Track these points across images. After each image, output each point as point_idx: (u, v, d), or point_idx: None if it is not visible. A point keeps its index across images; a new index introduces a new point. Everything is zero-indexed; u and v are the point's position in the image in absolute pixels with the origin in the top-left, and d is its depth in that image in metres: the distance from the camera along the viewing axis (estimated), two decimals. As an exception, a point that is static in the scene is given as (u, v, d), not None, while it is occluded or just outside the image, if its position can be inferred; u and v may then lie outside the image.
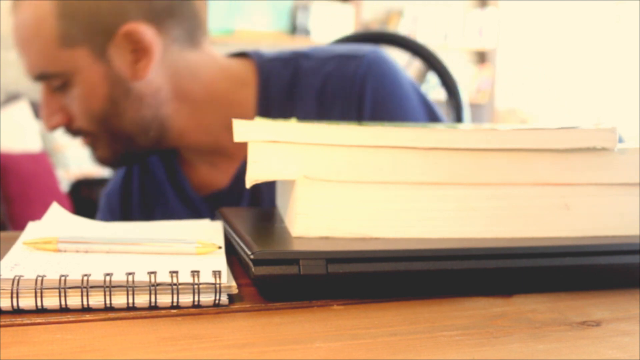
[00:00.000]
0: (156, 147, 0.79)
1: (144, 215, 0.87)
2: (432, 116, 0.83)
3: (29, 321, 0.37)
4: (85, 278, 0.38)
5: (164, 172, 0.86)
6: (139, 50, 0.73)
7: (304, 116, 0.77)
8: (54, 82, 0.73)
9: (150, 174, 0.87)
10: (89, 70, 0.72)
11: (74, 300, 0.38)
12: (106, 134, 0.76)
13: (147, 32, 0.72)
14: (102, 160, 0.80)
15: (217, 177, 0.83)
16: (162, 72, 0.75)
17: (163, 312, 0.39)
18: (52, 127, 0.76)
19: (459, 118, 1.12)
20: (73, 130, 0.77)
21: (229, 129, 0.78)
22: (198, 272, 0.40)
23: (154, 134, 0.77)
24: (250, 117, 0.79)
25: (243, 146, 0.78)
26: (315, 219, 0.45)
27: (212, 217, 0.61)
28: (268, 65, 0.80)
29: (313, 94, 0.79)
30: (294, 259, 0.40)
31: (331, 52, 0.82)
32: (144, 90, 0.74)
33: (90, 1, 0.71)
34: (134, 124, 0.75)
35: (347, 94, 0.78)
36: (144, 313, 0.39)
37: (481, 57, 4.34)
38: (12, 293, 0.37)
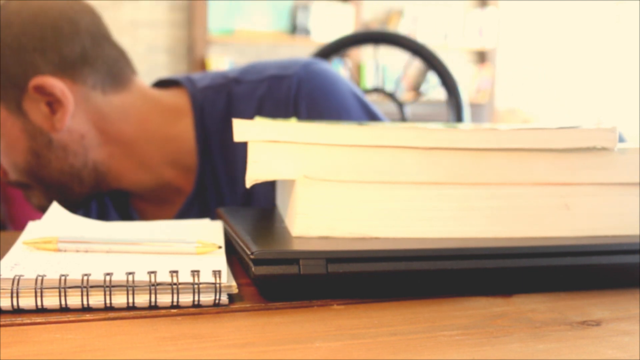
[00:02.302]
0: (96, 191, 0.78)
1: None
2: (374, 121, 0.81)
3: (29, 321, 0.37)
4: (85, 278, 0.38)
5: (111, 203, 0.86)
6: (53, 103, 0.72)
7: (243, 145, 0.76)
8: None
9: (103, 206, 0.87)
10: (5, 125, 0.72)
11: (74, 300, 0.38)
12: (39, 185, 0.75)
13: (56, 84, 0.71)
14: (42, 208, 0.77)
15: (167, 210, 0.82)
16: (84, 119, 0.74)
17: (163, 311, 0.39)
18: None
19: (459, 118, 1.12)
20: (10, 183, 0.77)
21: (170, 164, 0.78)
22: (198, 271, 0.40)
23: (88, 180, 0.76)
24: (190, 149, 0.78)
25: (188, 180, 0.79)
26: (315, 218, 0.45)
27: (212, 218, 0.61)
28: (200, 95, 0.79)
29: (249, 119, 0.78)
30: (294, 258, 0.40)
31: (262, 74, 0.80)
32: (66, 139, 0.73)
33: None
34: (64, 173, 0.74)
35: (283, 116, 0.77)
36: (144, 313, 0.39)
37: (481, 57, 4.34)
38: (12, 293, 0.37)
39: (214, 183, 0.78)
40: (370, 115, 0.81)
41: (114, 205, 0.86)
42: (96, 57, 0.74)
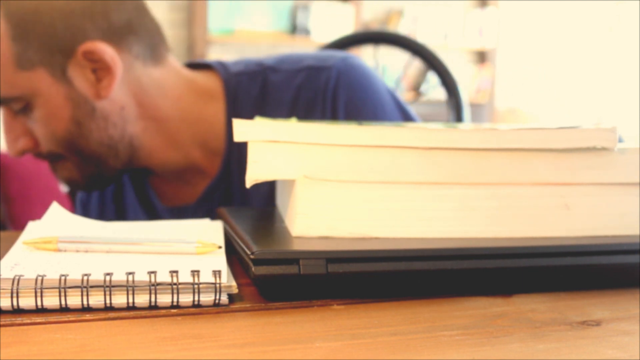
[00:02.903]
0: (127, 167, 0.77)
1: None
2: (408, 120, 0.82)
3: (29, 321, 0.37)
4: (85, 278, 0.38)
5: (129, 182, 0.85)
6: (100, 69, 0.71)
7: None
8: (15, 106, 0.71)
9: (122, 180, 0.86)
10: (49, 92, 0.71)
11: (74, 300, 0.38)
12: (75, 156, 0.74)
13: (106, 50, 0.70)
14: (72, 184, 0.77)
15: (187, 192, 0.82)
16: (126, 90, 0.74)
17: (163, 311, 0.39)
18: (17, 153, 0.74)
19: (459, 118, 1.12)
20: (40, 154, 0.75)
21: (199, 145, 0.78)
22: (198, 271, 0.40)
23: (124, 154, 0.75)
24: (219, 133, 0.78)
25: (214, 162, 0.79)
26: (315, 218, 0.45)
27: (212, 218, 0.61)
28: (234, 80, 0.79)
29: (284, 107, 0.78)
30: (294, 258, 0.40)
31: (299, 64, 0.81)
32: (108, 109, 0.73)
33: (46, 22, 0.69)
34: (102, 144, 0.74)
35: (320, 106, 0.77)
36: (144, 313, 0.39)
37: (481, 57, 4.34)
38: (12, 293, 0.37)
39: (239, 169, 0.78)
40: (404, 113, 0.82)
41: (133, 185, 0.85)
42: (140, 27, 0.74)
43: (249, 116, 0.76)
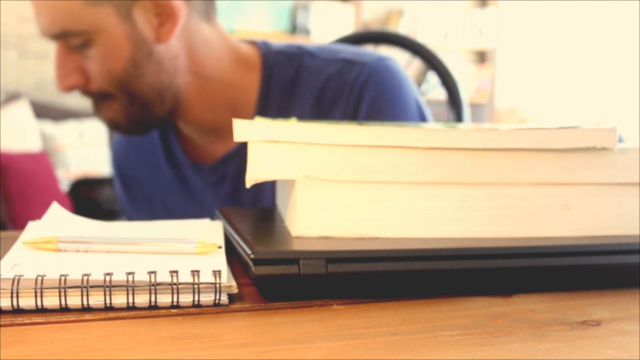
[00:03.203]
0: (167, 117, 0.79)
1: (140, 174, 0.90)
2: None
3: (29, 321, 0.37)
4: (85, 278, 0.38)
5: (158, 135, 0.88)
6: (163, 14, 0.73)
7: (300, 115, 0.78)
8: (74, 40, 0.72)
9: (150, 136, 0.90)
10: (112, 30, 0.72)
11: (74, 300, 0.38)
12: (124, 97, 0.75)
13: None
14: (113, 124, 0.79)
15: (209, 152, 0.84)
16: (181, 40, 0.76)
17: (163, 311, 0.39)
18: (67, 88, 0.75)
19: (459, 118, 1.12)
20: (88, 92, 0.76)
21: (229, 111, 0.80)
22: (198, 271, 0.40)
23: (168, 103, 0.77)
24: (250, 104, 0.80)
25: None
26: (315, 218, 0.45)
27: (212, 218, 0.61)
28: (273, 58, 0.81)
29: (312, 94, 0.79)
30: (294, 258, 0.40)
31: (337, 55, 0.82)
32: (164, 54, 0.75)
33: None
34: (153, 89, 0.75)
35: (345, 99, 0.78)
36: (144, 313, 0.39)
37: (481, 57, 4.34)
38: (12, 293, 0.37)
39: None
40: None
41: (160, 136, 0.88)
42: None
43: (279, 95, 0.79)
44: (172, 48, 0.75)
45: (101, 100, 0.77)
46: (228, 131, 0.79)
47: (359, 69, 0.79)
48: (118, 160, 0.94)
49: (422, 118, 0.82)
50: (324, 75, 0.80)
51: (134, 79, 0.74)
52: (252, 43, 0.83)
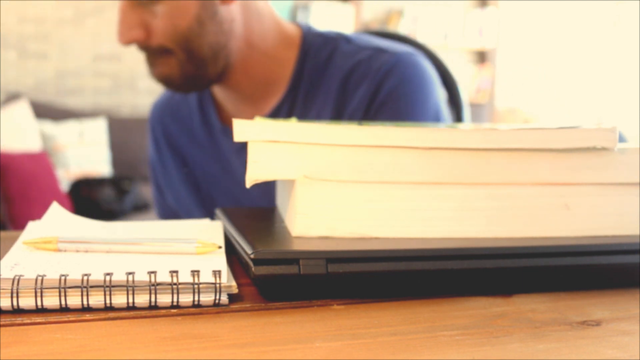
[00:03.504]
0: (215, 80, 0.81)
1: (175, 134, 0.93)
2: None
3: (29, 321, 0.37)
4: (85, 278, 0.38)
5: (195, 97, 0.91)
6: None
7: (326, 94, 0.81)
8: None
9: (187, 98, 0.92)
10: None
11: (74, 300, 0.38)
12: (183, 54, 0.77)
13: None
14: (167, 80, 0.80)
15: (236, 118, 0.86)
16: (239, 5, 0.78)
17: (163, 311, 0.39)
18: (128, 42, 0.76)
19: (459, 118, 1.12)
20: (147, 47, 0.78)
21: (265, 82, 0.82)
22: (198, 271, 0.40)
23: (220, 65, 0.79)
24: (285, 79, 0.83)
25: (269, 104, 0.83)
26: (315, 218, 0.45)
27: (212, 218, 0.61)
28: (312, 38, 0.84)
29: (341, 74, 0.82)
30: (294, 258, 0.40)
31: (371, 43, 0.85)
32: (224, 16, 0.77)
33: None
34: (211, 48, 0.77)
35: (368, 83, 0.80)
36: (144, 313, 0.39)
37: (481, 57, 4.34)
38: (12, 293, 0.37)
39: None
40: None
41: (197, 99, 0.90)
42: None
43: (310, 75, 0.82)
44: (232, 11, 0.77)
45: (158, 56, 0.78)
46: (259, 100, 0.84)
47: (387, 57, 0.81)
48: (154, 122, 0.96)
49: (437, 118, 0.83)
50: (355, 59, 0.82)
51: (197, 37, 0.76)
52: (296, 24, 0.86)
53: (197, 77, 0.79)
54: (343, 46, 0.84)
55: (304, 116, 0.82)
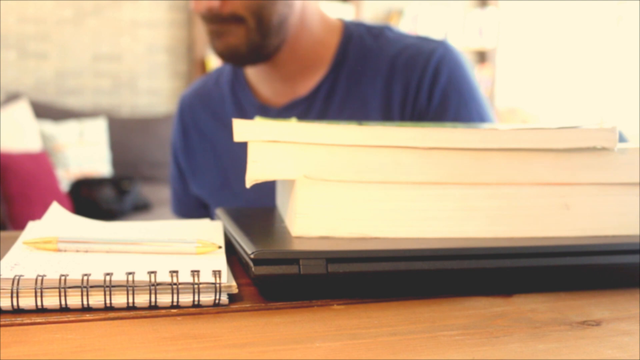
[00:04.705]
0: (272, 53, 0.83)
1: (204, 120, 0.94)
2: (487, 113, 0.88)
3: (29, 321, 0.37)
4: (85, 278, 0.38)
5: (228, 78, 0.93)
6: None
7: (373, 77, 0.83)
8: None
9: (219, 85, 0.94)
10: None
11: (74, 300, 0.38)
12: (254, 22, 0.78)
13: None
14: (232, 50, 0.81)
15: (276, 97, 0.88)
16: None
17: (163, 311, 0.39)
18: (203, 9, 0.78)
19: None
20: (219, 15, 0.79)
21: (305, 65, 0.85)
22: (198, 271, 0.40)
23: (280, 37, 0.81)
24: (325, 63, 0.85)
25: (307, 85, 0.86)
26: (315, 219, 0.45)
27: (212, 218, 0.61)
28: (354, 27, 0.88)
29: (387, 58, 0.84)
30: (294, 258, 0.40)
31: (413, 35, 0.88)
32: None
33: None
34: (279, 18, 0.79)
35: (422, 67, 0.83)
36: (144, 313, 0.39)
37: (481, 57, 4.34)
38: (12, 293, 0.38)
39: (323, 106, 0.85)
40: (487, 110, 0.86)
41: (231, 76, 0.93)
42: None
43: (355, 57, 0.85)
44: None
45: (227, 26, 0.79)
46: (299, 81, 0.86)
47: (435, 45, 0.85)
48: (184, 108, 0.97)
49: (484, 99, 0.87)
50: (401, 45, 0.85)
51: (271, 6, 0.78)
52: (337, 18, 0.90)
53: (262, 47, 0.80)
54: (388, 33, 0.87)
55: (347, 95, 0.84)
